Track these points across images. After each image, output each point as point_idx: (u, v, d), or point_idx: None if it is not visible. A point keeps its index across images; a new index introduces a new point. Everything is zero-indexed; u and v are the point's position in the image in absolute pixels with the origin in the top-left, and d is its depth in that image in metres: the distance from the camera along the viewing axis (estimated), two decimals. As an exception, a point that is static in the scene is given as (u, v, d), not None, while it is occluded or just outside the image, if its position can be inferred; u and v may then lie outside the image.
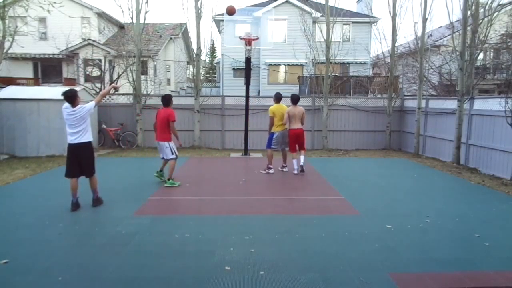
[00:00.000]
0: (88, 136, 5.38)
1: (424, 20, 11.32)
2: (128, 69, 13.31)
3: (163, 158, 7.13)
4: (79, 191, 5.41)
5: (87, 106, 5.30)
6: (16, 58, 18.41)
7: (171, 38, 22.92)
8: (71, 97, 5.21)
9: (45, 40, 19.96)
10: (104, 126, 12.27)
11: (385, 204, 5.87)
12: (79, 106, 5.27)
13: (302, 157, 8.16)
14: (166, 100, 6.95)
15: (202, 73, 19.45)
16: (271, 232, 4.50)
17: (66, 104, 5.24)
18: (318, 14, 19.37)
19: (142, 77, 13.75)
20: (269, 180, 7.70)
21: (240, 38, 11.47)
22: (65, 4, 16.16)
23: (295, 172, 8.10)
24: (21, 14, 12.96)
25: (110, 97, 13.04)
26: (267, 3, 21.72)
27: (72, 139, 5.30)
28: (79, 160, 5.38)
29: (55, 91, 10.87)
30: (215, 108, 12.88)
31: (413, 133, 11.97)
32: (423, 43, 11.71)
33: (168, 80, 23.98)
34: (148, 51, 17.75)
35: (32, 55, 19.72)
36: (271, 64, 21.65)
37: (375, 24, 18.19)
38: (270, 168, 8.32)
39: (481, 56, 15.26)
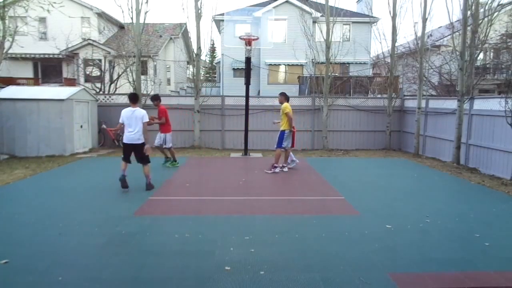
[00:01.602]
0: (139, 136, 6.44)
1: (424, 20, 11.32)
2: (128, 69, 13.32)
3: (165, 147, 8.79)
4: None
5: (144, 114, 6.46)
6: (16, 58, 18.42)
7: (171, 38, 22.91)
8: (132, 98, 6.54)
9: (45, 40, 19.96)
10: (104, 126, 12.27)
11: (385, 204, 5.87)
12: (139, 109, 6.50)
13: None
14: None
15: (202, 73, 19.47)
16: (271, 232, 4.50)
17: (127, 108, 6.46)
18: (318, 14, 19.37)
19: (142, 77, 13.76)
20: (269, 180, 7.70)
21: (240, 38, 11.48)
22: (65, 4, 16.17)
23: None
24: (21, 14, 12.98)
25: (110, 97, 13.06)
26: (267, 3, 21.72)
27: (126, 135, 6.41)
28: (132, 152, 6.53)
29: (55, 91, 10.89)
30: (215, 108, 12.89)
31: (413, 133, 11.97)
32: (423, 43, 11.71)
33: (168, 80, 23.98)
34: (148, 51, 17.74)
35: (32, 55, 19.71)
36: (271, 64, 21.65)
37: (375, 24, 18.16)
38: (275, 167, 8.36)
39: (481, 56, 15.26)
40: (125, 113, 6.39)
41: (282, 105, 8.30)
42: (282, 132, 8.27)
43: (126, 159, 6.49)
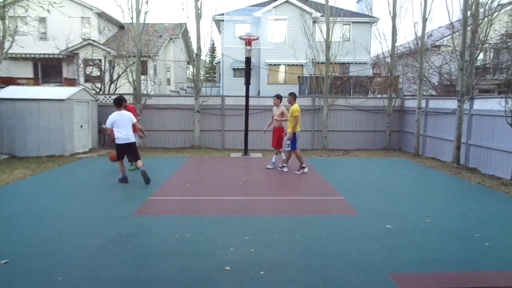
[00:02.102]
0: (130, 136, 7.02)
1: (424, 20, 11.32)
2: (128, 69, 13.31)
3: None
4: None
5: (131, 116, 7.05)
6: (16, 58, 18.42)
7: (171, 38, 22.91)
8: (116, 102, 7.01)
9: (45, 40, 19.95)
10: (104, 126, 12.20)
11: (385, 204, 5.87)
12: (125, 111, 7.00)
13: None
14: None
15: (202, 73, 19.47)
16: (271, 232, 4.50)
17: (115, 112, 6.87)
18: (318, 14, 19.36)
19: (142, 77, 13.76)
20: (269, 180, 7.71)
21: (240, 38, 11.48)
22: (65, 4, 16.20)
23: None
24: (21, 14, 12.98)
25: (110, 97, 13.05)
26: (267, 3, 21.71)
27: (119, 137, 6.88)
28: (126, 151, 7.08)
29: (55, 91, 10.89)
30: (215, 108, 12.88)
31: (413, 133, 11.97)
32: (423, 43, 11.71)
33: (168, 80, 23.98)
34: (148, 51, 17.73)
35: (32, 55, 19.71)
36: (271, 64, 21.65)
37: (375, 24, 18.18)
38: (303, 168, 8.39)
39: (481, 56, 15.25)
40: (116, 116, 6.85)
41: (291, 107, 8.22)
42: (293, 134, 8.23)
43: (122, 158, 7.14)
